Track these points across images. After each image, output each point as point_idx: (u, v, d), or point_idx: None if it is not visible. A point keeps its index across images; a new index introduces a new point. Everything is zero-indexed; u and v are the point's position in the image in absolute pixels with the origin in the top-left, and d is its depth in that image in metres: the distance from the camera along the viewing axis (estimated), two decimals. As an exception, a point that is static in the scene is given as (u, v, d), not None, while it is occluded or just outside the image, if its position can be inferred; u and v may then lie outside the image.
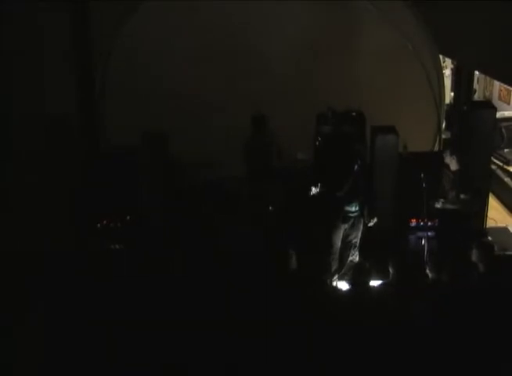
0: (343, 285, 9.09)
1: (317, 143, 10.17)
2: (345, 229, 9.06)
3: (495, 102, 13.71)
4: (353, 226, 9.07)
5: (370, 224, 9.22)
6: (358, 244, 9.20)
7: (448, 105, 12.93)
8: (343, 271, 9.24)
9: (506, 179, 12.26)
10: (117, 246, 9.20)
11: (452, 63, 14.11)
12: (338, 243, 9.10)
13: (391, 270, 8.48)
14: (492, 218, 10.82)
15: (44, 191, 8.87)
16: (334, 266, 9.14)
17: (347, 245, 9.16)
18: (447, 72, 14.01)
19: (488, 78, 14.76)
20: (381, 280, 8.28)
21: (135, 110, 10.43)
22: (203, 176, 10.22)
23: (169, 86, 10.62)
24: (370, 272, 7.71)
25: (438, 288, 7.49)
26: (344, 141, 9.46)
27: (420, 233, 9.87)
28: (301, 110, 10.53)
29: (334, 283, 9.13)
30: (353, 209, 8.95)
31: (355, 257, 9.23)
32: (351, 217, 8.99)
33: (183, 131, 9.94)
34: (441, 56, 12.97)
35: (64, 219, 8.93)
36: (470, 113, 10.17)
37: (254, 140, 9.75)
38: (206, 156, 10.20)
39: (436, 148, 12.13)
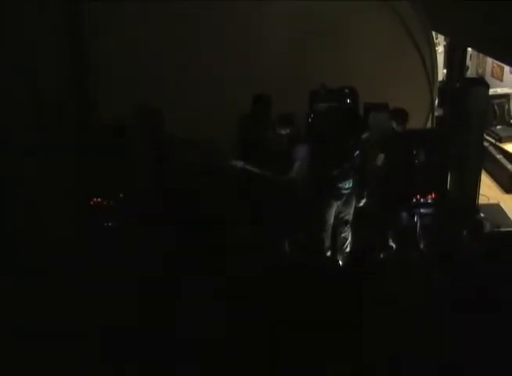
0: (336, 261, 9.27)
1: (310, 120, 10.16)
2: (338, 206, 9.17)
3: (488, 79, 13.76)
4: (345, 203, 9.16)
5: (360, 204, 9.38)
6: (350, 221, 9.29)
7: (440, 82, 12.95)
8: (336, 248, 9.38)
9: (499, 156, 12.34)
10: (110, 223, 9.17)
11: (445, 39, 14.13)
12: (331, 220, 9.20)
13: (392, 244, 9.31)
14: (484, 195, 10.93)
15: (35, 167, 8.98)
16: (327, 243, 9.26)
17: (339, 222, 9.26)
18: (440, 49, 13.97)
19: (480, 55, 14.79)
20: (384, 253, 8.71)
21: (126, 85, 10.30)
22: (196, 153, 10.22)
23: (162, 62, 10.59)
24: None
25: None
26: (340, 117, 9.52)
27: (412, 210, 9.84)
28: (294, 87, 10.47)
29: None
30: (346, 186, 9.02)
31: (347, 233, 9.33)
32: (344, 194, 9.07)
33: (177, 108, 9.93)
34: (433, 33, 12.94)
35: (56, 196, 8.92)
36: (462, 91, 10.21)
37: (253, 119, 9.64)
38: (199, 133, 10.13)
39: (429, 125, 12.25)
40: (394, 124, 9.42)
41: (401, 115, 9.43)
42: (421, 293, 6.64)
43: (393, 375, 5.76)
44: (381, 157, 9.38)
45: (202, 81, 10.58)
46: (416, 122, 10.57)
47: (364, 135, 9.23)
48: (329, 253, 9.37)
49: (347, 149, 8.96)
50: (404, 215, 9.91)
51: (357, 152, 9.00)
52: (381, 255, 8.97)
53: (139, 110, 9.50)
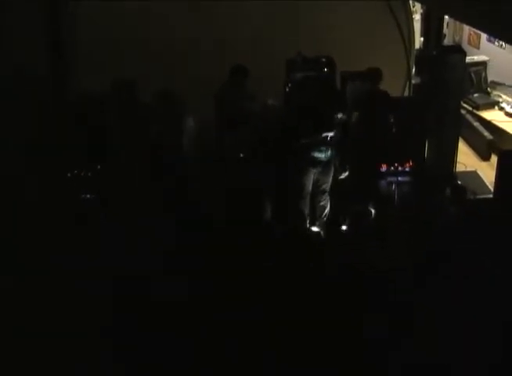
0: (315, 230, 9.40)
1: (287, 89, 10.30)
2: (315, 174, 9.29)
3: (465, 46, 13.71)
4: (323, 172, 9.29)
5: (341, 176, 9.54)
6: (328, 190, 9.44)
7: (417, 50, 13.05)
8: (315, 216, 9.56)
9: (476, 124, 12.38)
10: (88, 195, 9.18)
11: (422, 7, 13.91)
12: (309, 187, 9.33)
13: (372, 211, 9.17)
14: (461, 163, 11.06)
15: (11, 140, 9.02)
16: (306, 211, 9.39)
17: (317, 191, 9.41)
18: (417, 17, 14.00)
19: (457, 23, 14.79)
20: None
21: (104, 57, 10.45)
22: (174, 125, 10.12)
23: (141, 34, 10.67)
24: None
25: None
26: (316, 86, 9.59)
27: (390, 178, 10.06)
28: (270, 56, 10.60)
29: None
30: (323, 155, 9.13)
31: (325, 202, 9.47)
32: (321, 162, 9.18)
33: (155, 81, 9.95)
34: (410, 1, 13.15)
35: (34, 168, 8.95)
36: (439, 58, 10.25)
37: (231, 89, 9.76)
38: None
39: (406, 93, 12.41)
40: (369, 84, 9.59)
41: (374, 74, 9.57)
42: (400, 261, 6.78)
43: (376, 349, 5.86)
44: (355, 115, 9.59)
45: (179, 55, 10.75)
46: (393, 90, 10.61)
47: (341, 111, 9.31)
48: (307, 222, 9.49)
49: (323, 118, 9.04)
50: (381, 183, 10.10)
51: (335, 121, 9.11)
52: (360, 224, 8.78)
53: (115, 82, 9.48)
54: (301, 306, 5.98)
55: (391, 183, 10.06)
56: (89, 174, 9.39)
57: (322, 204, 9.48)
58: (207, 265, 6.37)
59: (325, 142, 9.07)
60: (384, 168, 10.13)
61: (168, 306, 5.97)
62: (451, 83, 10.04)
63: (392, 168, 10.07)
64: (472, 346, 5.71)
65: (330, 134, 9.00)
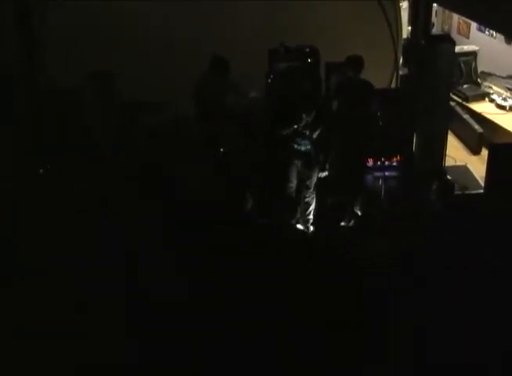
0: (299, 227, 9.52)
1: (269, 80, 10.33)
2: (298, 167, 9.38)
3: (454, 36, 13.65)
4: (304, 165, 9.37)
5: (321, 175, 9.60)
6: (312, 186, 9.51)
7: (405, 39, 13.10)
8: (299, 214, 9.65)
9: (465, 116, 12.42)
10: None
11: None
12: (293, 180, 9.44)
13: (357, 211, 9.51)
14: (451, 157, 11.15)
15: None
16: (289, 205, 9.50)
17: (302, 186, 9.50)
18: (404, 5, 14.01)
19: (446, 11, 14.87)
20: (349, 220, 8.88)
21: (79, 49, 10.51)
22: (153, 118, 10.40)
23: (118, 23, 10.71)
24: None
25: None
26: (296, 77, 9.77)
27: (377, 173, 10.21)
28: (253, 47, 10.60)
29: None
30: (303, 148, 9.23)
31: (310, 199, 9.55)
32: (302, 154, 9.28)
33: (133, 72, 10.09)
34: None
35: (6, 164, 9.03)
36: (428, 48, 10.30)
37: (211, 82, 9.77)
38: (156, 96, 10.25)
39: (393, 85, 12.40)
40: (350, 73, 9.52)
41: (355, 62, 9.51)
42: (388, 259, 6.76)
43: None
44: (335, 104, 9.55)
45: (159, 45, 10.77)
46: (379, 81, 10.69)
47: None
48: (292, 218, 9.59)
49: (304, 109, 9.13)
50: (368, 178, 10.19)
51: (314, 113, 9.20)
52: (345, 222, 9.13)
53: (90, 74, 9.55)
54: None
55: (377, 178, 10.17)
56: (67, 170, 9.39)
57: (306, 200, 9.56)
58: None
59: (304, 134, 9.16)
60: (370, 162, 10.21)
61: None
62: (440, 74, 10.08)
63: (379, 162, 10.20)
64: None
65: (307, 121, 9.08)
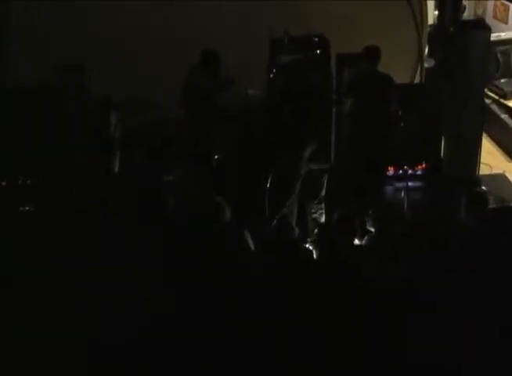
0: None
1: (271, 76, 10.12)
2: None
3: (490, 21, 13.44)
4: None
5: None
6: (319, 199, 9.32)
7: (431, 26, 12.82)
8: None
9: (503, 116, 12.20)
10: (27, 207, 9.09)
11: None
12: (295, 189, 9.20)
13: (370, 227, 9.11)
14: (486, 164, 10.91)
15: None
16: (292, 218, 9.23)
17: (307, 199, 9.35)
18: None
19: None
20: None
21: (52, 45, 10.43)
22: (135, 119, 10.33)
23: (100, 17, 10.65)
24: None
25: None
26: (302, 71, 9.64)
27: (398, 184, 10.10)
28: (253, 38, 10.48)
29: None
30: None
31: (318, 215, 9.37)
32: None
33: (114, 69, 10.18)
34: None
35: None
36: (458, 36, 10.24)
37: (200, 79, 9.62)
38: (140, 95, 10.32)
39: (417, 79, 12.08)
40: (366, 65, 9.33)
41: (371, 53, 9.30)
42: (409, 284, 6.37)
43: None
44: (348, 103, 9.36)
45: (142, 35, 10.73)
46: (400, 76, 10.48)
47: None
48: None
49: (312, 108, 9.04)
50: (388, 189, 10.11)
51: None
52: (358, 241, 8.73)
53: (62, 69, 9.59)
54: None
55: (399, 190, 10.04)
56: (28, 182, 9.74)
57: (314, 216, 9.36)
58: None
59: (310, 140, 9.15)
60: (390, 171, 10.15)
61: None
62: (472, 66, 9.98)
63: (401, 171, 10.15)
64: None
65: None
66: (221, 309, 6.18)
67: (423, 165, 10.17)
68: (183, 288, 6.34)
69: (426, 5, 12.22)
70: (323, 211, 9.38)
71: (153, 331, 6.12)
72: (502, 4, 14.24)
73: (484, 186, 9.91)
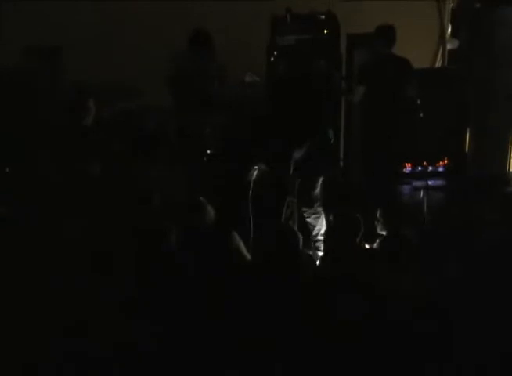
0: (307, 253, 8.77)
1: (272, 59, 9.90)
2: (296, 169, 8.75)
3: None
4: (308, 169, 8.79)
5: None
6: (317, 199, 8.83)
7: (454, 2, 12.30)
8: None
9: None
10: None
11: None
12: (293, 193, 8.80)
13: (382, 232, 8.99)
14: None
15: None
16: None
17: (303, 198, 8.83)
18: None
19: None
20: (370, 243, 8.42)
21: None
22: (119, 106, 10.27)
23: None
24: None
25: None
26: (307, 54, 9.58)
27: (416, 183, 9.94)
28: (250, 17, 10.43)
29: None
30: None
31: (315, 218, 8.82)
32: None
33: (96, 52, 10.13)
34: None
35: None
36: (485, 12, 10.04)
37: (190, 61, 9.31)
38: (125, 82, 10.27)
39: (439, 63, 11.78)
40: (380, 47, 9.02)
41: (387, 33, 8.98)
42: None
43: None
44: (360, 90, 9.03)
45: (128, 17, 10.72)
46: (420, 58, 10.17)
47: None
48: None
49: (318, 97, 8.56)
50: (405, 189, 10.07)
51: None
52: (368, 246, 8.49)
53: (35, 51, 9.76)
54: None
55: (418, 189, 9.83)
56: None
57: (312, 218, 8.82)
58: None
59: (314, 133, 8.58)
60: (408, 167, 10.07)
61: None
62: (501, 47, 9.82)
63: (420, 167, 10.03)
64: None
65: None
66: (218, 316, 6.12)
67: (446, 161, 10.02)
68: (174, 293, 6.29)
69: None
70: (319, 215, 8.83)
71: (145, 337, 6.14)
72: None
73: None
